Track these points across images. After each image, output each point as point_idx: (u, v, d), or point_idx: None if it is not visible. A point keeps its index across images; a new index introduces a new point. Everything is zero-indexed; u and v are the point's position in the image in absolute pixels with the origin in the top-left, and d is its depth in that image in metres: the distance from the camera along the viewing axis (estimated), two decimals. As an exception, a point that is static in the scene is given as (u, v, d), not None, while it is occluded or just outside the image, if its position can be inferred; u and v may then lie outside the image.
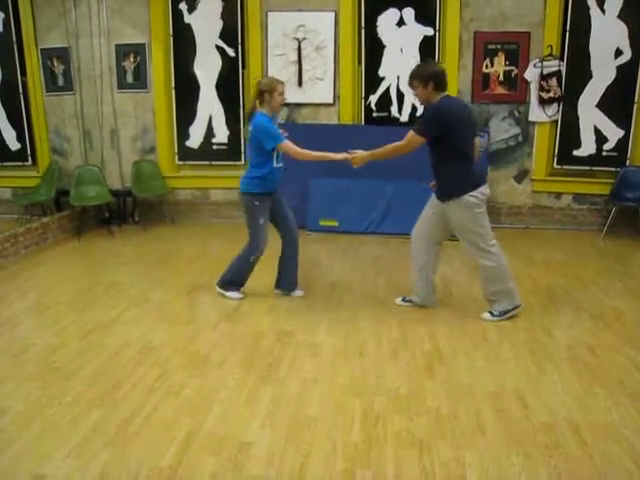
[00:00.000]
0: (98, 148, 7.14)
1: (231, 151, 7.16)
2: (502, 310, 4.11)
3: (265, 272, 5.43)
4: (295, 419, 2.84)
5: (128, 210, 7.22)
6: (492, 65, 6.67)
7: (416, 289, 4.35)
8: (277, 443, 2.64)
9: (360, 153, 4.19)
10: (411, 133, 3.92)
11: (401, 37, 6.74)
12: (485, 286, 4.14)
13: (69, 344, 3.71)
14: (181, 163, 7.28)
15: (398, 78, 6.82)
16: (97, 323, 4.06)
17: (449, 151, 3.89)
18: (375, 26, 6.74)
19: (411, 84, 3.96)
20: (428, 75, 3.84)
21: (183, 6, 6.85)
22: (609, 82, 6.54)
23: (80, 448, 2.59)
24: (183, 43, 6.93)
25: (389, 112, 6.90)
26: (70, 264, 5.69)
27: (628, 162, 6.68)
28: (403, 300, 4.44)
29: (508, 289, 4.08)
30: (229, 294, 4.55)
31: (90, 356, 3.54)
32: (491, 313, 4.14)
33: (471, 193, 3.86)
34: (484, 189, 3.94)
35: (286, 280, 4.63)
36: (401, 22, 6.71)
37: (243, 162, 7.16)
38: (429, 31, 6.68)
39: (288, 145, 4.19)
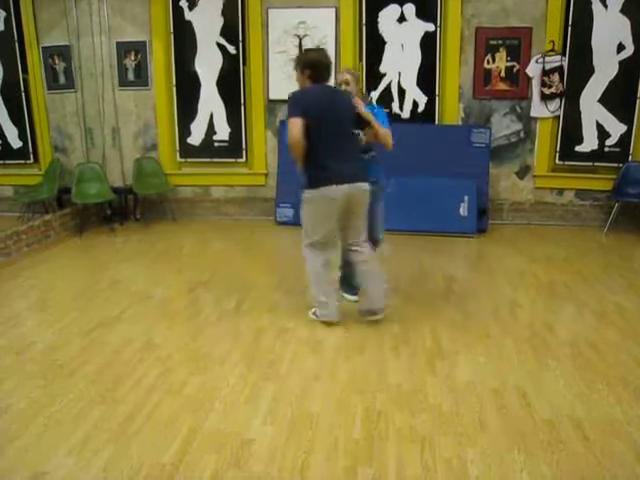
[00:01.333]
0: (99, 146, 7.15)
1: (232, 148, 7.16)
2: (316, 314, 4.02)
3: (265, 271, 5.44)
4: (296, 416, 2.84)
5: (130, 207, 7.22)
6: (494, 61, 6.65)
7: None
8: (278, 440, 2.64)
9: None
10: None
11: (402, 33, 6.71)
12: None
13: (71, 342, 3.72)
14: (182, 160, 7.28)
15: (399, 74, 6.80)
16: (99, 320, 4.06)
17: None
18: (376, 22, 6.72)
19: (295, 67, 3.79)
20: (304, 62, 3.72)
21: (184, 3, 6.84)
22: (611, 77, 6.51)
23: (82, 445, 2.59)
24: (184, 40, 6.92)
25: (390, 108, 6.87)
26: (72, 262, 5.69)
27: (630, 158, 6.65)
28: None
29: (317, 299, 3.97)
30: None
31: (92, 354, 3.55)
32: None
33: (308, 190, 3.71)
34: (327, 190, 3.65)
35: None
36: (402, 18, 6.68)
37: (244, 159, 7.16)
38: (430, 27, 6.66)
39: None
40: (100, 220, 6.97)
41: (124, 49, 6.96)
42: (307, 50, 4.19)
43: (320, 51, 3.89)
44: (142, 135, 7.20)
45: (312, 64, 3.71)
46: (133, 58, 7.00)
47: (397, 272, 5.12)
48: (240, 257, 5.68)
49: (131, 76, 7.05)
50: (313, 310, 4.06)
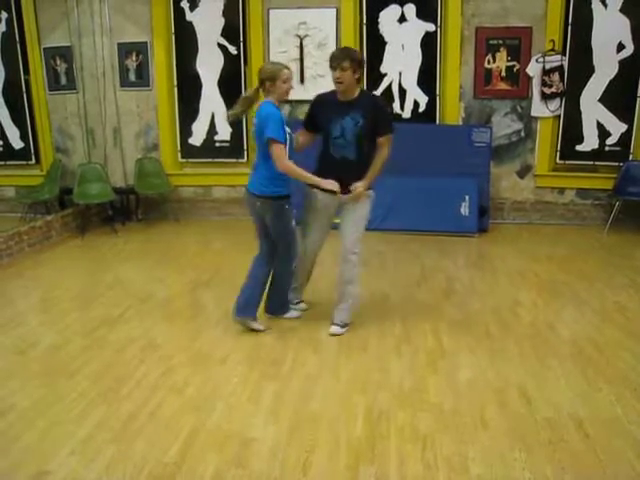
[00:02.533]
0: (101, 146, 7.16)
1: (233, 148, 7.16)
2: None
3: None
4: (298, 415, 2.85)
5: (131, 208, 7.23)
6: (494, 61, 6.64)
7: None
8: (280, 439, 2.65)
9: (359, 188, 3.69)
10: (388, 136, 3.69)
11: (403, 33, 6.71)
12: None
13: (73, 341, 3.73)
14: (184, 161, 7.29)
15: (400, 74, 6.81)
16: (101, 320, 4.07)
17: (374, 144, 3.71)
18: (377, 22, 6.72)
19: (339, 64, 3.54)
20: (361, 59, 3.65)
21: (185, 4, 6.84)
22: (611, 77, 6.50)
23: (85, 444, 2.60)
24: (185, 41, 6.93)
25: (391, 108, 6.88)
26: (74, 262, 5.70)
27: (631, 156, 6.64)
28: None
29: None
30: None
31: (94, 353, 3.56)
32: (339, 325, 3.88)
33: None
34: None
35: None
36: (402, 18, 6.69)
37: (245, 159, 7.16)
38: (431, 27, 6.66)
39: (280, 149, 3.54)
40: (102, 220, 6.98)
41: (125, 50, 6.97)
42: (348, 48, 4.12)
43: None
44: (143, 135, 7.21)
45: (363, 64, 3.72)
46: (134, 59, 7.01)
47: (399, 272, 5.13)
48: (242, 257, 5.65)
49: (132, 77, 7.06)
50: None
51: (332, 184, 3.63)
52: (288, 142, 3.63)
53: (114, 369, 3.35)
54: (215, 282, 4.92)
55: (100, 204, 6.90)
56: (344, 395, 3.05)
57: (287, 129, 3.63)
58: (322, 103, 3.83)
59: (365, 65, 3.79)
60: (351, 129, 3.65)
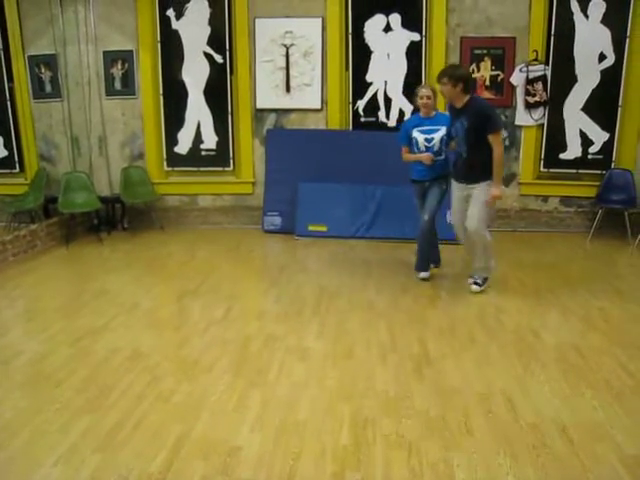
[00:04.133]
0: (86, 155, 7.14)
1: (219, 157, 7.17)
2: (483, 281, 4.76)
3: (253, 279, 5.47)
4: (284, 423, 2.85)
5: (117, 217, 7.21)
6: (478, 70, 6.72)
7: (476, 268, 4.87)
8: (267, 447, 2.65)
9: (495, 191, 4.49)
10: (495, 135, 4.38)
11: (388, 43, 6.78)
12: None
13: (58, 351, 3.70)
14: (169, 169, 7.28)
15: (385, 83, 6.87)
16: (86, 330, 4.05)
17: (485, 141, 4.37)
18: (362, 32, 6.78)
19: (440, 80, 4.42)
20: (460, 76, 4.34)
21: (171, 12, 6.86)
22: (594, 86, 6.62)
23: (69, 454, 2.59)
24: (171, 49, 6.94)
25: (377, 117, 6.94)
26: (59, 271, 5.67)
27: (613, 165, 6.75)
28: (475, 284, 4.77)
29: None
30: (419, 275, 5.10)
31: (79, 363, 3.53)
32: (477, 284, 4.74)
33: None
34: None
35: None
36: (388, 28, 6.75)
37: (231, 168, 7.18)
38: (416, 36, 6.73)
39: (403, 153, 4.93)
40: (87, 230, 6.95)
41: (111, 58, 6.97)
42: (455, 65, 4.97)
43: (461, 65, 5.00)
44: (129, 144, 7.19)
45: (467, 78, 4.43)
46: (120, 67, 7.01)
47: (384, 279, 5.15)
48: (228, 265, 5.69)
49: (118, 85, 7.05)
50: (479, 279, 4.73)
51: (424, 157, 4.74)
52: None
53: (99, 378, 3.33)
54: (201, 291, 4.91)
55: (85, 213, 6.87)
56: (330, 403, 3.05)
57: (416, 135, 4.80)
58: (450, 110, 4.68)
59: (469, 80, 4.47)
60: (461, 130, 4.45)
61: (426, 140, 4.73)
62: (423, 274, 5.07)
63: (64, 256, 6.12)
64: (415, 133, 4.80)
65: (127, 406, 3.01)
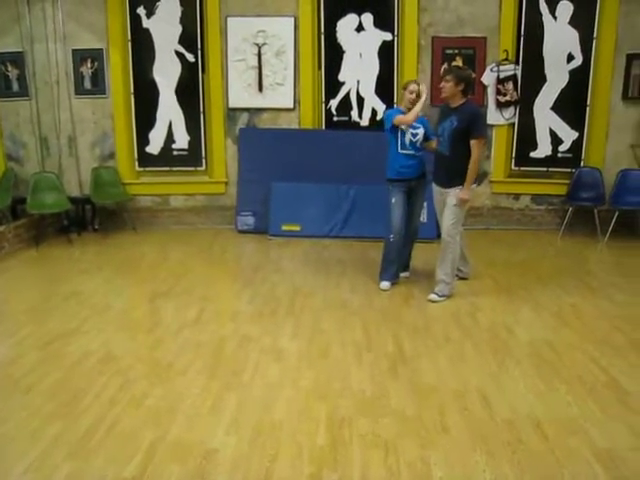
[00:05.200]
0: (55, 155, 7.00)
1: (191, 157, 7.10)
2: (447, 294, 4.62)
3: (227, 279, 5.43)
4: (260, 424, 2.83)
5: (87, 218, 7.09)
6: (450, 69, 6.77)
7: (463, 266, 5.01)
8: (243, 449, 2.62)
9: (462, 194, 4.50)
10: (478, 140, 4.40)
11: (360, 42, 6.79)
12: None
13: (27, 355, 3.62)
14: (141, 169, 7.18)
15: (358, 82, 6.87)
16: (57, 333, 3.97)
17: (467, 146, 4.40)
18: (334, 31, 6.78)
19: (444, 77, 4.53)
20: (464, 77, 4.44)
21: (141, 11, 6.77)
22: (563, 86, 6.72)
23: (40, 461, 2.53)
24: (142, 48, 6.85)
25: (349, 116, 6.94)
26: (28, 274, 5.55)
27: (582, 163, 6.86)
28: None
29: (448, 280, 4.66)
30: (380, 284, 4.89)
31: (50, 367, 3.46)
32: (436, 294, 4.60)
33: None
34: None
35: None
36: (360, 27, 6.76)
37: (204, 167, 7.11)
38: (388, 36, 6.75)
39: (398, 117, 4.68)
40: (57, 231, 6.81)
41: (80, 56, 6.84)
42: (462, 67, 5.04)
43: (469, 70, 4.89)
44: (100, 144, 7.08)
45: (469, 81, 4.52)
46: (90, 66, 6.89)
47: (358, 279, 5.15)
48: (201, 266, 5.63)
49: (88, 84, 6.94)
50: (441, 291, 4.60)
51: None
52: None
53: (71, 383, 3.27)
54: (174, 292, 4.85)
55: (55, 214, 6.74)
56: (306, 403, 3.04)
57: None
58: (442, 109, 4.71)
59: (470, 83, 4.58)
60: (448, 129, 4.47)
61: (412, 135, 4.70)
62: (385, 284, 4.88)
63: (33, 258, 6.00)
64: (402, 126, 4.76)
65: (99, 411, 2.96)
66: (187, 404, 3.03)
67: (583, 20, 6.57)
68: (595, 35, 6.58)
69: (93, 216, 7.08)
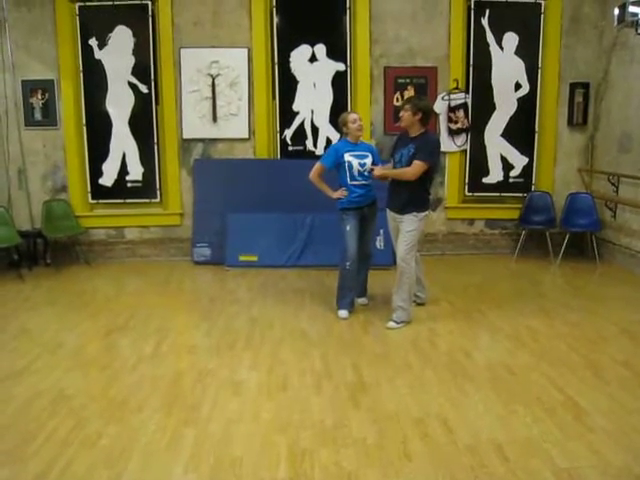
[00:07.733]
0: (4, 188, 6.82)
1: (146, 188, 7.01)
2: (406, 320, 4.63)
3: (184, 312, 5.33)
4: (220, 461, 2.76)
5: (39, 252, 6.89)
6: (402, 98, 6.88)
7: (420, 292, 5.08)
8: (201, 487, 2.55)
9: (379, 169, 4.68)
10: (421, 163, 4.41)
11: (314, 72, 6.87)
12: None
13: (-27, 398, 3.46)
14: (94, 202, 7.05)
15: (312, 112, 6.93)
16: (4, 373, 3.81)
17: (422, 175, 4.47)
18: (288, 62, 6.85)
19: (403, 106, 4.58)
20: (422, 107, 4.48)
21: (93, 42, 6.71)
22: (512, 113, 6.94)
23: (-14, 511, 2.40)
24: (94, 79, 6.77)
25: (304, 145, 6.98)
26: (-25, 312, 5.34)
27: (533, 187, 7.05)
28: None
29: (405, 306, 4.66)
30: (338, 313, 4.88)
31: (-3, 409, 3.31)
32: (395, 321, 4.61)
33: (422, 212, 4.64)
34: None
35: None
36: (313, 58, 6.85)
37: (158, 199, 7.03)
38: (341, 66, 6.85)
39: (317, 168, 4.92)
40: (6, 266, 6.60)
41: (30, 87, 6.73)
42: (420, 97, 4.96)
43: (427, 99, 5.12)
44: (51, 176, 6.93)
45: (428, 110, 4.57)
46: (40, 97, 6.77)
47: (316, 308, 5.13)
48: (157, 299, 5.52)
49: (38, 115, 6.81)
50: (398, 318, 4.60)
51: (337, 194, 4.84)
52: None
53: (20, 425, 3.13)
54: (130, 326, 4.74)
55: (4, 249, 6.53)
56: (266, 437, 2.98)
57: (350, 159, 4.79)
58: (399, 138, 4.81)
59: (429, 114, 4.60)
60: (406, 156, 4.53)
61: (360, 165, 4.74)
62: (343, 312, 4.87)
63: (-19, 295, 5.78)
64: (349, 157, 4.76)
65: (51, 454, 2.83)
66: (143, 442, 2.93)
67: (528, 50, 6.83)
68: (540, 65, 6.84)
69: (45, 250, 6.89)
